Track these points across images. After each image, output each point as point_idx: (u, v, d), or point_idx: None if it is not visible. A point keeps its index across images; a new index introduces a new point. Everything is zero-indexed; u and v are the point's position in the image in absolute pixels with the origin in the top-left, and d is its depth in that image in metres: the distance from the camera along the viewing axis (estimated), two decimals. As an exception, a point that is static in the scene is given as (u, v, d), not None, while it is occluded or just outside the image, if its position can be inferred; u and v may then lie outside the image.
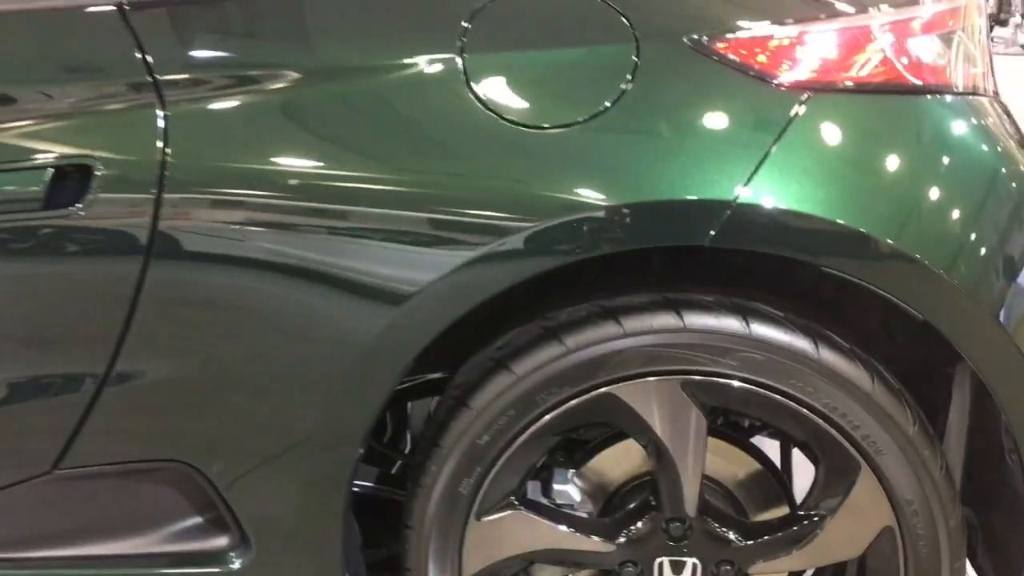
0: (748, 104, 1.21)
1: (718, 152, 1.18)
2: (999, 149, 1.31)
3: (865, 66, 1.24)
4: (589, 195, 1.17)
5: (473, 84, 1.19)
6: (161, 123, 1.18)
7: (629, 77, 1.19)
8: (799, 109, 1.19)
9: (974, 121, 1.31)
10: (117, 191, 1.19)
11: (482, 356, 1.33)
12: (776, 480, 1.40)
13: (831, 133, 1.22)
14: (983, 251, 1.26)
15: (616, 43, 1.21)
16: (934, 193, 1.25)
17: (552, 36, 1.24)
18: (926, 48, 1.28)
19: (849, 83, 1.23)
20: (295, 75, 1.22)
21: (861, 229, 1.18)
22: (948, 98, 1.29)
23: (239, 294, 1.20)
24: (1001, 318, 1.24)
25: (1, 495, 1.29)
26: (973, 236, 1.26)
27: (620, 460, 1.39)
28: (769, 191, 1.17)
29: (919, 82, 1.26)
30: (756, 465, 1.39)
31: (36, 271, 1.22)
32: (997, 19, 10.31)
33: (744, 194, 1.16)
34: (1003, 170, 1.30)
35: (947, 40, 1.31)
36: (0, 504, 1.30)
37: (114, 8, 1.22)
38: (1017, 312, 1.25)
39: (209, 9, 1.25)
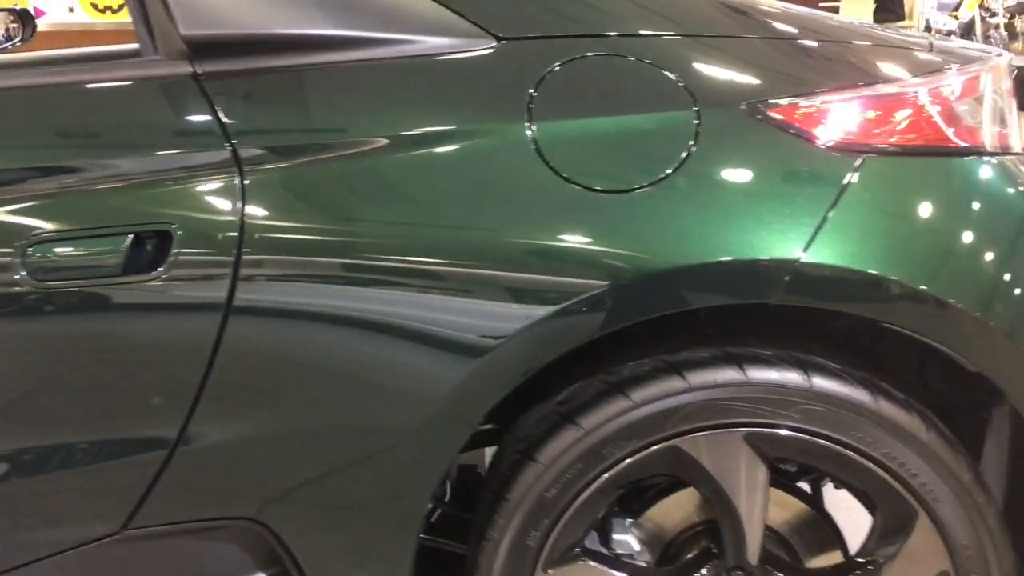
0: (806, 167, 1.27)
1: (780, 214, 1.23)
2: None
3: (911, 130, 1.30)
4: (659, 256, 1.21)
5: (542, 149, 1.23)
6: (239, 188, 1.21)
7: (692, 142, 1.24)
8: (854, 172, 1.25)
9: (1007, 178, 1.37)
10: (196, 255, 1.21)
11: (544, 410, 1.36)
12: (828, 525, 1.44)
13: (883, 194, 1.28)
14: (1018, 293, 1.31)
15: (677, 109, 1.27)
16: (975, 246, 1.31)
17: (615, 104, 1.29)
18: (964, 111, 1.35)
19: (898, 146, 1.29)
20: (369, 142, 1.25)
21: (915, 285, 1.24)
22: (984, 157, 1.36)
23: (316, 353, 1.23)
24: None
25: (70, 556, 1.30)
26: (1007, 279, 1.31)
27: (677, 509, 1.43)
28: (829, 250, 1.22)
29: (961, 143, 1.32)
30: (809, 511, 1.44)
31: (113, 334, 1.23)
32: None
33: (806, 254, 1.21)
34: None
35: (981, 103, 1.38)
36: (69, 565, 1.31)
37: (189, 77, 1.26)
38: None
39: (284, 78, 1.28)
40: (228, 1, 1.28)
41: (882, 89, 1.31)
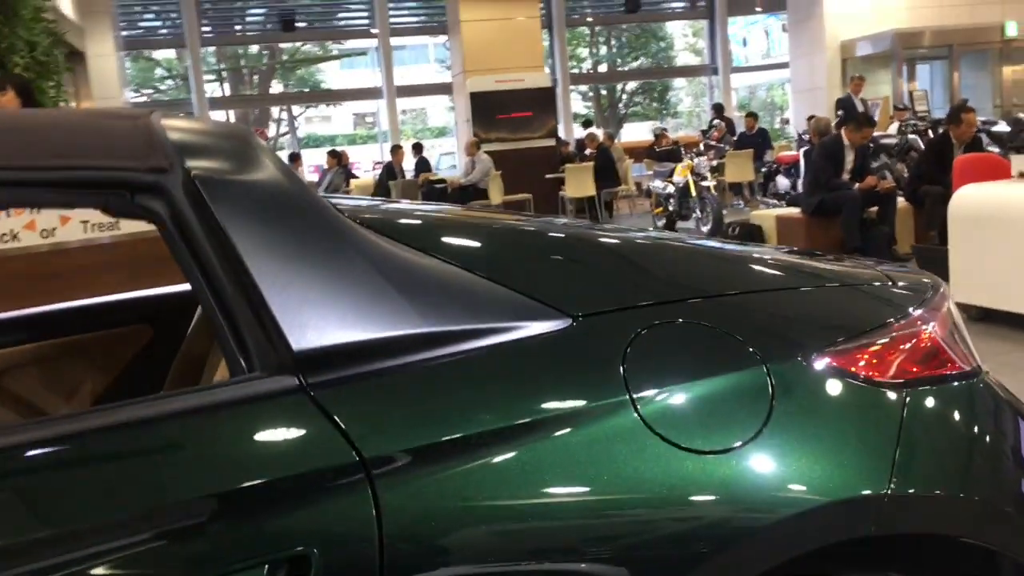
0: (868, 404, 1.43)
1: (860, 451, 1.38)
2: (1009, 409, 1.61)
3: (931, 359, 1.51)
4: (774, 506, 1.31)
5: (645, 418, 1.31)
6: (372, 495, 1.19)
7: (770, 397, 1.37)
8: (905, 403, 1.43)
9: (990, 392, 1.59)
10: (337, 572, 1.17)
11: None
12: None
13: (931, 419, 1.46)
14: None
15: (750, 368, 1.40)
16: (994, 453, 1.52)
17: (696, 368, 1.40)
18: (955, 343, 1.58)
19: (927, 375, 1.49)
20: (491, 435, 1.27)
21: (975, 497, 1.42)
22: (974, 379, 1.57)
23: None
24: None
25: None
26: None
27: None
28: (909, 478, 1.37)
29: (967, 367, 1.55)
30: None
31: None
32: (678, 214, 11.60)
33: (892, 485, 1.35)
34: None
35: (958, 327, 1.63)
36: None
37: (298, 389, 1.24)
38: None
39: (390, 379, 1.29)
40: (334, 313, 1.29)
41: (908, 329, 1.52)
